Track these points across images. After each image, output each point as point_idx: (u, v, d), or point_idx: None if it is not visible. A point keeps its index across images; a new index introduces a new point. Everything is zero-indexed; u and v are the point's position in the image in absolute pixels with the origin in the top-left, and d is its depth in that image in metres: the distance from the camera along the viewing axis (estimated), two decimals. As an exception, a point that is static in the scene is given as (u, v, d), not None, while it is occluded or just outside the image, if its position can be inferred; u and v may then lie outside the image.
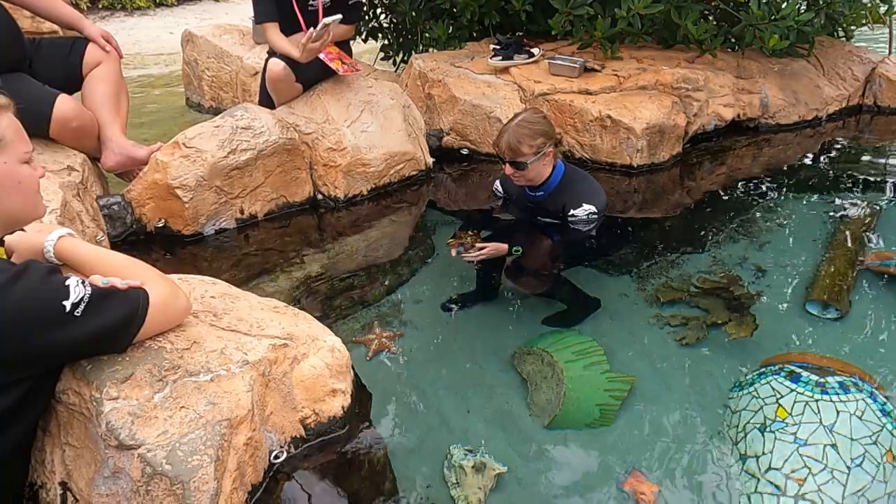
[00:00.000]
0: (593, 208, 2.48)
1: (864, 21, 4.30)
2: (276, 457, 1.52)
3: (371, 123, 3.29)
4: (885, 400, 1.88)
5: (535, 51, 3.97)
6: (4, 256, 1.44)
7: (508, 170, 2.44)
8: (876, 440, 1.74)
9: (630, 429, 1.99)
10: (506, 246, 2.43)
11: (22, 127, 1.39)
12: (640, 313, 2.49)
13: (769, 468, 1.75)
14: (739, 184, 3.49)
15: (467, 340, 2.41)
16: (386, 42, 5.04)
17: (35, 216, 1.43)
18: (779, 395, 1.89)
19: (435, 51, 4.47)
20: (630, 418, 2.03)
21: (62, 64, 2.79)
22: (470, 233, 2.42)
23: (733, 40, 4.18)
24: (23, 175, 1.38)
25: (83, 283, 1.31)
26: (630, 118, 3.43)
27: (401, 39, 4.99)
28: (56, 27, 3.26)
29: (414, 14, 4.55)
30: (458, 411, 2.08)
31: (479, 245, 2.38)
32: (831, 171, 3.65)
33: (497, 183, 2.78)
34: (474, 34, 4.57)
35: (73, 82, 2.82)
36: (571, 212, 2.48)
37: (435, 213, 3.30)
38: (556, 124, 3.61)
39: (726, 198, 3.37)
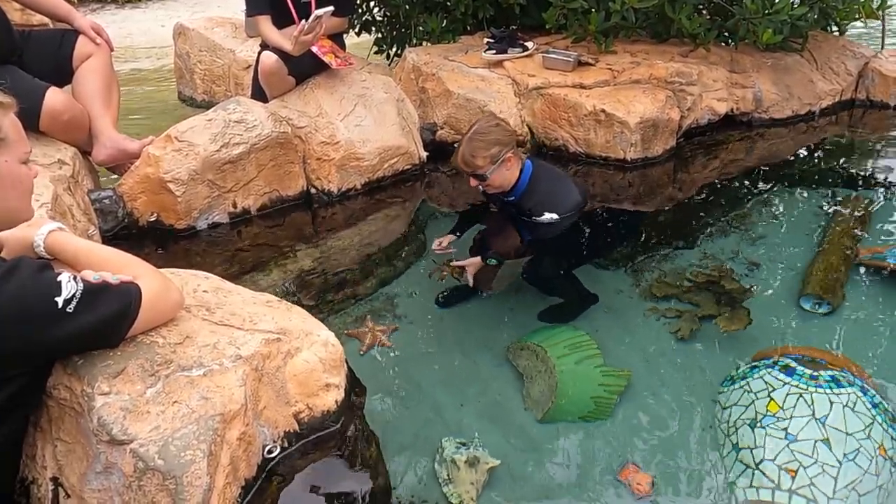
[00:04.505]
0: (555, 216, 2.43)
1: (857, 16, 4.30)
2: (270, 451, 1.52)
3: (365, 117, 3.27)
4: (875, 393, 1.89)
5: (529, 44, 3.96)
6: (-5, 252, 1.43)
7: (472, 182, 2.42)
8: (869, 434, 1.75)
9: (624, 421, 2.00)
10: (479, 259, 2.45)
11: (22, 127, 1.38)
12: (634, 307, 2.49)
13: (763, 460, 1.75)
14: (733, 178, 3.50)
15: (461, 334, 2.41)
16: (379, 35, 5.01)
17: (26, 217, 1.43)
18: (771, 389, 1.90)
19: (429, 44, 4.45)
20: (624, 411, 2.04)
21: (52, 56, 2.76)
22: (450, 264, 2.53)
23: (727, 34, 4.18)
24: (21, 175, 1.38)
25: (75, 278, 1.30)
26: (624, 112, 3.43)
27: (394, 33, 4.96)
28: (46, 19, 3.23)
29: (407, 7, 4.52)
30: (452, 405, 2.08)
31: (456, 264, 2.50)
32: (824, 166, 3.66)
33: None
34: (468, 28, 4.55)
35: (63, 75, 2.79)
36: (534, 218, 2.46)
37: (429, 206, 3.29)
38: (550, 118, 3.63)
39: (720, 192, 3.38)
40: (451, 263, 2.51)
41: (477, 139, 2.35)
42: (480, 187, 2.75)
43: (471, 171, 2.38)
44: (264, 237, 2.94)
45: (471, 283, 2.49)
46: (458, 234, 2.62)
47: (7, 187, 1.35)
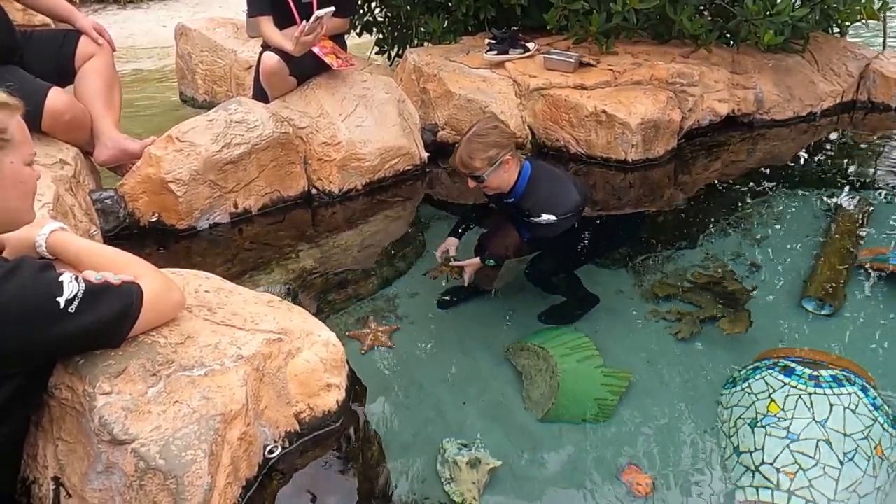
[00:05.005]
0: (552, 217, 2.43)
1: (858, 17, 4.30)
2: (271, 451, 1.52)
3: (366, 118, 3.27)
4: (876, 394, 1.89)
5: (530, 45, 3.96)
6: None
7: (470, 183, 2.42)
8: (867, 435, 1.75)
9: (625, 422, 2.00)
10: (478, 260, 2.45)
11: (27, 129, 1.39)
12: (635, 309, 2.49)
13: (762, 462, 1.75)
14: (734, 179, 3.50)
15: (462, 334, 2.41)
16: (380, 36, 5.02)
17: (27, 220, 1.43)
18: (772, 390, 1.90)
19: (430, 45, 4.45)
20: (625, 412, 2.04)
21: (54, 56, 2.76)
22: (448, 263, 2.51)
23: (728, 35, 4.18)
24: (25, 176, 1.38)
25: (77, 278, 1.30)
26: (625, 113, 3.43)
27: (395, 34, 4.97)
28: (48, 20, 3.24)
29: (409, 8, 4.53)
30: (453, 405, 2.08)
31: (454, 265, 2.49)
32: (825, 167, 3.66)
33: None
34: (469, 28, 4.55)
35: (65, 75, 2.79)
36: (532, 219, 2.47)
37: (430, 207, 3.29)
38: (551, 119, 3.63)
39: (721, 193, 3.38)
40: (450, 263, 2.51)
41: (475, 141, 2.35)
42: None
43: (468, 172, 2.38)
44: (265, 237, 2.94)
45: (467, 282, 2.49)
46: (458, 236, 2.61)
47: (10, 188, 1.35)
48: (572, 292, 2.48)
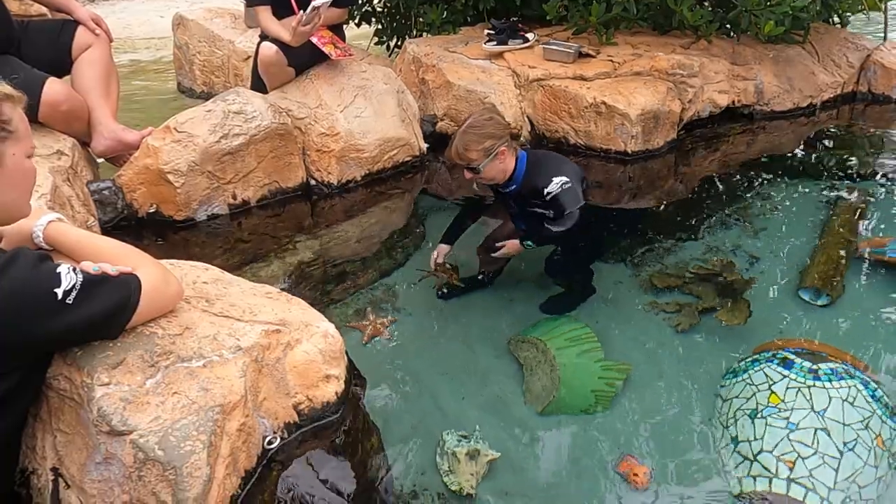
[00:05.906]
0: (564, 178, 2.38)
1: (859, 7, 4.29)
2: (270, 443, 1.52)
3: (365, 108, 3.26)
4: (875, 386, 1.89)
5: (529, 36, 3.94)
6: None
7: (467, 175, 2.41)
8: (867, 425, 1.76)
9: (623, 414, 2.00)
10: (517, 242, 2.42)
11: (28, 122, 1.38)
12: (634, 300, 2.49)
13: (761, 451, 1.76)
14: (734, 171, 3.50)
15: (462, 326, 2.41)
16: (379, 27, 5.00)
17: (24, 214, 1.42)
18: (772, 382, 1.90)
19: (429, 35, 4.43)
20: (624, 404, 2.04)
21: (51, 47, 2.75)
22: (447, 266, 2.48)
23: (728, 26, 4.17)
24: (26, 169, 1.38)
25: (74, 270, 1.29)
26: (625, 104, 3.41)
27: (395, 24, 4.95)
28: (44, 10, 3.22)
29: (408, -2, 4.51)
30: (453, 397, 2.09)
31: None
32: (825, 159, 3.65)
33: None
34: (469, 19, 4.53)
35: (62, 66, 2.77)
36: (546, 190, 2.43)
37: (428, 198, 3.29)
38: (550, 110, 3.62)
39: (720, 185, 3.37)
40: (452, 276, 2.49)
41: (470, 133, 2.34)
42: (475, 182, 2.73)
43: (464, 164, 2.38)
44: (264, 229, 2.93)
45: (499, 254, 2.46)
46: (450, 242, 2.58)
47: (11, 181, 1.34)
48: (582, 283, 2.48)
